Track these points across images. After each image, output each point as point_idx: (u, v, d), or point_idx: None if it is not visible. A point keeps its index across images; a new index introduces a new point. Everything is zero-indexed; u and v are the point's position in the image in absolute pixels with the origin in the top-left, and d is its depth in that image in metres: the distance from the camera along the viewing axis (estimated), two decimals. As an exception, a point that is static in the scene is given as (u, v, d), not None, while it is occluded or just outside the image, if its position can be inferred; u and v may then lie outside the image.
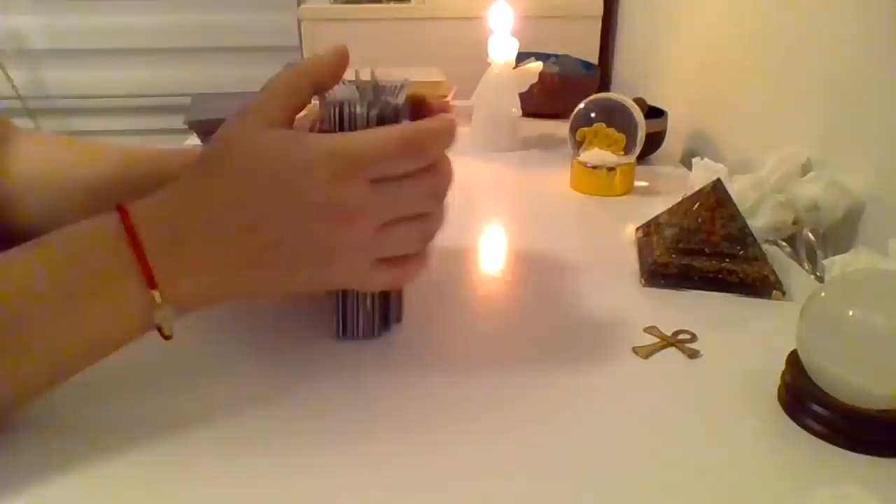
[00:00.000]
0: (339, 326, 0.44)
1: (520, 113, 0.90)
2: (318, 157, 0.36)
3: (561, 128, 0.89)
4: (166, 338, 0.38)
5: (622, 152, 0.73)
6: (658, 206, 0.61)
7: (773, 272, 0.51)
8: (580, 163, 0.75)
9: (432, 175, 0.39)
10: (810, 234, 0.58)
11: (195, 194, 0.37)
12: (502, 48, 0.87)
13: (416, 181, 0.38)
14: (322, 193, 0.36)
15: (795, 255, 0.58)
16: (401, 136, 0.37)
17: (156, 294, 0.35)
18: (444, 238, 0.42)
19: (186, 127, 0.87)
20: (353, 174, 0.36)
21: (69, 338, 0.35)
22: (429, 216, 0.40)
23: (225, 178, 0.37)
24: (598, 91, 0.96)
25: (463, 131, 0.95)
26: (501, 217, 0.70)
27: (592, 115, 0.75)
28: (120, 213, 0.35)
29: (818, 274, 0.55)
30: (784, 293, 0.51)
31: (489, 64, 0.89)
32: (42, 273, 0.35)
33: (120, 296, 0.35)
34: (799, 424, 0.37)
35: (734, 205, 0.54)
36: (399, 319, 0.47)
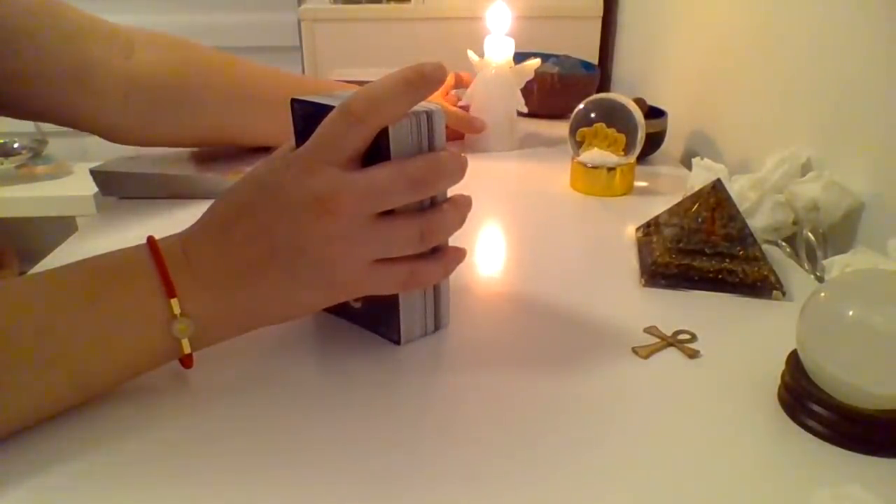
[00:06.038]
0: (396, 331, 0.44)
1: (525, 109, 0.90)
2: (290, 158, 0.39)
3: (561, 128, 0.89)
4: (185, 363, 0.39)
5: (622, 152, 0.74)
6: (658, 206, 0.61)
7: (773, 272, 0.52)
8: (580, 163, 0.75)
9: (411, 165, 0.39)
10: (810, 234, 0.58)
11: (204, 219, 0.40)
12: (498, 48, 0.87)
13: (391, 168, 0.38)
14: (298, 188, 0.37)
15: (795, 255, 0.59)
16: (345, 120, 0.37)
17: (174, 303, 0.36)
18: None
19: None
20: (321, 161, 0.37)
21: (89, 346, 0.36)
22: (428, 215, 0.40)
23: (225, 200, 0.40)
24: (598, 91, 0.97)
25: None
26: (501, 217, 0.70)
27: (592, 115, 0.75)
28: (148, 240, 0.38)
29: (818, 274, 0.55)
30: (784, 293, 0.51)
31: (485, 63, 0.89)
32: (68, 283, 0.37)
33: (140, 304, 0.37)
34: (799, 424, 0.37)
35: (734, 205, 0.54)
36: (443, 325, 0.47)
